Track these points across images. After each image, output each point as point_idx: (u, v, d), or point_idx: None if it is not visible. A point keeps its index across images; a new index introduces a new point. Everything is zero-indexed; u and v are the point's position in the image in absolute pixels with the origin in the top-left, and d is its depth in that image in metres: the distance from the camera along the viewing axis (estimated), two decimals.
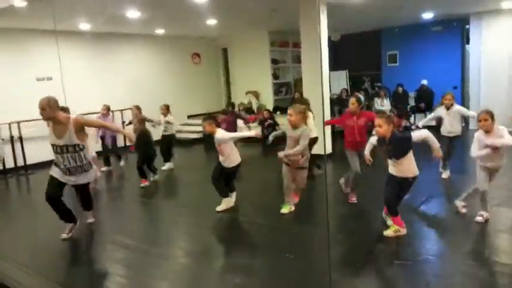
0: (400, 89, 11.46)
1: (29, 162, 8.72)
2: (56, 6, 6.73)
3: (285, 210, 5.04)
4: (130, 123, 8.11)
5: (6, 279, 3.85)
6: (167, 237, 4.78)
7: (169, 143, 8.06)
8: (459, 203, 4.66)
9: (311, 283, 3.44)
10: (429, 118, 6.38)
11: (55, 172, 4.51)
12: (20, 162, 8.71)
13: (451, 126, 5.99)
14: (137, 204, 6.29)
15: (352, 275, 3.57)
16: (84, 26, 8.80)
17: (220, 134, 5.14)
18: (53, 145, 4.35)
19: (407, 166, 4.08)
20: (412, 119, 11.23)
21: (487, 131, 4.18)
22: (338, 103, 11.38)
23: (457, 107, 6.05)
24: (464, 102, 11.31)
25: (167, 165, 7.96)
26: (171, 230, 5.08)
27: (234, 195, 5.54)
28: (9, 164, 8.65)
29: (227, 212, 5.25)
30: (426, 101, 11.18)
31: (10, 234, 5.18)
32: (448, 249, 4.01)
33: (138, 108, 8.26)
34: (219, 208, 5.26)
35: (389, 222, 4.31)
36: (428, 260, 3.73)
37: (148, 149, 6.93)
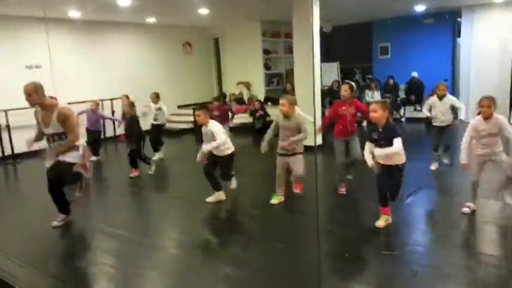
0: (391, 81, 11.51)
1: (16, 151, 8.61)
2: None
3: (274, 200, 5.05)
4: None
5: None
6: (157, 228, 4.78)
7: (159, 132, 8.00)
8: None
9: (301, 273, 3.47)
10: (426, 109, 6.39)
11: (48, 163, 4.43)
12: (8, 152, 8.61)
13: (443, 116, 6.10)
14: (127, 195, 6.26)
15: (342, 265, 3.60)
16: (74, 13, 8.69)
17: (214, 125, 5.05)
18: (40, 131, 4.34)
19: (397, 154, 4.08)
20: (402, 111, 11.29)
21: (487, 118, 4.20)
22: (329, 94, 11.39)
23: (449, 97, 6.19)
24: (454, 94, 11.35)
25: (157, 155, 7.91)
26: (161, 220, 5.07)
27: (234, 181, 5.63)
28: None
29: (217, 203, 5.26)
30: (416, 93, 11.25)
31: None
32: (435, 240, 4.06)
33: (127, 97, 8.19)
34: (208, 199, 5.26)
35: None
36: (416, 250, 3.78)
37: (137, 133, 6.71)
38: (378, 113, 4.07)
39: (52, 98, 4.58)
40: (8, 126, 8.53)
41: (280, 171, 5.04)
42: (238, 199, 5.48)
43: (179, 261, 3.94)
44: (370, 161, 4.24)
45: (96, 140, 8.20)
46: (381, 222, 4.22)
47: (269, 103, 11.64)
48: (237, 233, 4.56)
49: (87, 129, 8.00)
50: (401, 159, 4.13)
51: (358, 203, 5.11)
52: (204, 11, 9.36)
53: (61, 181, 4.48)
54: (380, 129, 4.10)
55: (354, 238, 4.10)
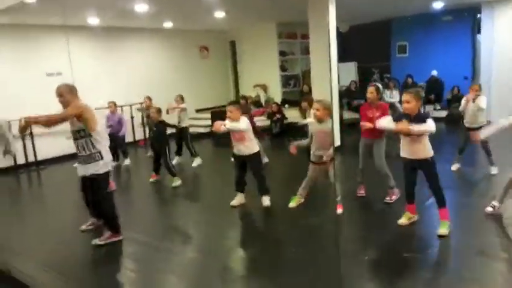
0: (410, 80, 11.35)
1: (39, 158, 8.81)
2: (65, 1, 6.76)
3: (293, 204, 5.02)
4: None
5: (18, 273, 3.91)
6: (175, 232, 4.81)
7: (183, 135, 7.81)
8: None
9: (320, 276, 3.44)
10: (462, 105, 6.08)
11: (79, 171, 4.33)
12: (31, 158, 8.80)
13: (475, 117, 5.86)
14: (146, 200, 6.32)
15: (362, 267, 3.56)
16: (93, 20, 8.84)
17: (246, 121, 4.94)
18: (71, 132, 4.26)
19: (423, 146, 3.96)
20: (421, 110, 11.10)
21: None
22: (347, 95, 11.31)
23: (482, 98, 5.85)
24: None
25: (176, 160, 7.86)
26: (180, 225, 5.11)
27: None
28: (20, 160, 8.74)
29: (235, 207, 5.26)
30: (436, 92, 11.06)
31: (21, 229, 5.24)
32: (458, 243, 3.97)
33: (150, 99, 8.24)
34: (233, 203, 5.19)
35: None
36: (438, 253, 3.71)
37: (164, 141, 6.51)
38: (411, 104, 3.93)
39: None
40: (31, 133, 8.71)
41: (312, 178, 4.91)
42: (256, 201, 5.47)
43: (196, 265, 3.96)
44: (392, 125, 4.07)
45: (119, 145, 8.10)
46: (403, 220, 4.15)
47: (286, 105, 11.61)
48: (255, 237, 4.56)
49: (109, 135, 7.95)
50: (428, 152, 3.99)
51: (377, 204, 5.04)
52: (220, 14, 9.41)
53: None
54: (412, 119, 3.94)
55: (374, 240, 4.05)
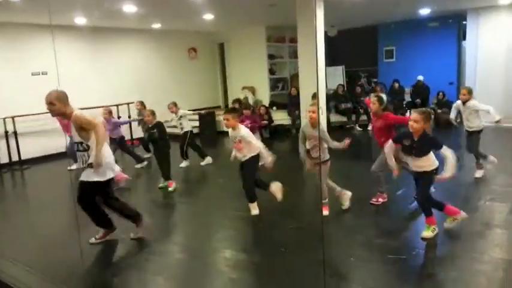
0: (396, 85, 11.48)
1: (23, 157, 8.69)
2: (51, 0, 6.69)
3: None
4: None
5: (1, 274, 3.85)
6: (164, 233, 4.77)
7: (187, 139, 7.67)
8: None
9: (306, 278, 3.45)
10: (453, 113, 6.20)
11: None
12: (15, 158, 8.67)
13: (468, 121, 5.92)
14: (136, 200, 6.27)
15: (347, 270, 3.58)
16: (80, 20, 8.76)
17: (245, 131, 4.80)
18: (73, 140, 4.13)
19: (426, 162, 3.99)
20: (407, 115, 11.24)
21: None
22: (334, 99, 11.39)
23: (472, 102, 5.89)
24: (459, 98, 11.33)
25: (184, 163, 7.72)
26: (168, 226, 5.08)
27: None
28: (4, 159, 8.62)
29: (222, 208, 5.25)
30: (422, 96, 11.21)
31: (5, 230, 5.16)
32: (442, 244, 4.02)
33: (142, 103, 8.17)
34: (253, 212, 4.95)
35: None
36: (422, 254, 3.75)
37: (166, 143, 6.32)
38: (419, 124, 3.87)
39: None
40: (15, 133, 8.60)
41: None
42: (244, 204, 5.46)
43: (184, 266, 3.94)
44: (391, 162, 4.13)
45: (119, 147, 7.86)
46: (426, 233, 4.01)
47: (274, 107, 11.66)
48: (243, 238, 4.56)
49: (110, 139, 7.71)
50: (433, 164, 4.00)
51: (365, 207, 5.07)
52: (209, 17, 9.41)
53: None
54: (415, 139, 3.93)
55: (360, 242, 4.08)
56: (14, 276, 3.80)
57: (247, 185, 4.90)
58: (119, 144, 7.72)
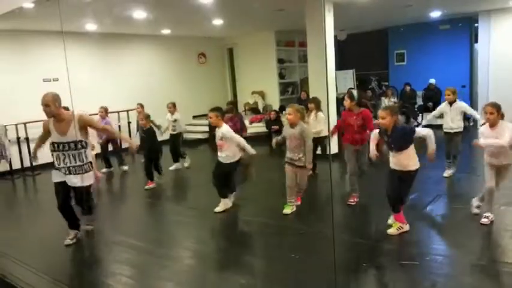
0: (408, 88, 11.39)
1: (35, 163, 8.72)
2: (62, 7, 6.74)
3: (287, 210, 5.00)
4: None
5: (13, 278, 3.87)
6: (172, 239, 4.77)
7: (177, 142, 8.00)
8: (475, 202, 4.54)
9: (316, 284, 3.40)
10: (433, 114, 6.28)
11: (57, 177, 4.37)
12: (27, 163, 8.74)
13: (452, 122, 5.91)
14: (142, 206, 6.28)
15: (358, 275, 3.53)
16: (91, 26, 8.83)
17: (225, 129, 5.08)
18: (54, 143, 4.25)
19: (407, 159, 4.05)
20: (419, 118, 11.15)
21: (492, 125, 4.11)
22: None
23: (459, 104, 5.97)
24: (472, 101, 11.20)
25: (175, 166, 7.95)
26: (176, 231, 5.07)
27: (232, 196, 5.48)
28: (16, 165, 8.69)
29: (232, 213, 5.23)
30: (434, 100, 11.08)
31: (17, 235, 5.19)
32: (455, 250, 3.95)
33: (142, 106, 8.25)
34: (217, 209, 5.24)
35: (390, 220, 4.27)
36: (435, 260, 3.68)
37: (154, 146, 6.80)
38: (386, 120, 4.03)
39: (66, 108, 4.57)
40: (27, 139, 8.67)
41: (289, 182, 4.98)
42: (253, 208, 5.44)
43: (194, 272, 3.92)
44: (372, 147, 4.33)
45: (112, 151, 8.18)
46: (392, 230, 4.15)
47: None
48: (251, 243, 4.53)
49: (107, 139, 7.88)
50: (415, 164, 4.08)
51: (372, 211, 5.01)
52: (218, 22, 9.43)
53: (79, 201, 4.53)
54: (389, 134, 4.07)
55: (371, 248, 4.02)
56: (24, 280, 3.81)
57: (217, 183, 5.27)
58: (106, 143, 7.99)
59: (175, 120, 7.83)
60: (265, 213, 5.24)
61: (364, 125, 5.05)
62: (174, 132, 7.90)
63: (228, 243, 4.62)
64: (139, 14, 7.73)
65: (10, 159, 8.53)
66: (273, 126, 10.44)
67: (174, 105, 7.88)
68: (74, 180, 4.30)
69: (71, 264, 4.22)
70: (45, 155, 8.61)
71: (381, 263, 3.75)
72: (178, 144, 8.04)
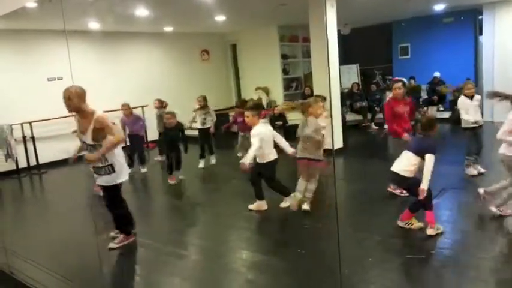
0: (413, 82, 11.33)
1: (41, 161, 8.81)
2: (65, 6, 6.75)
3: (292, 202, 4.96)
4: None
5: (21, 275, 3.91)
6: (180, 235, 4.78)
7: (208, 136, 7.81)
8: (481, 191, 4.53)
9: (323, 278, 3.41)
10: (466, 113, 5.78)
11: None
12: (33, 162, 8.80)
13: (475, 116, 5.72)
14: (152, 203, 6.30)
15: (364, 270, 3.53)
16: (94, 25, 8.84)
17: (253, 131, 4.86)
18: (80, 140, 4.11)
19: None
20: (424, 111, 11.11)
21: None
22: (349, 97, 11.29)
23: (478, 97, 5.82)
24: (477, 94, 11.12)
25: (202, 163, 7.78)
26: (184, 227, 5.08)
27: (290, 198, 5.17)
28: (22, 163, 8.75)
29: (238, 209, 5.23)
30: (439, 93, 11.04)
31: (25, 233, 5.23)
32: (461, 243, 3.94)
33: (160, 101, 8.22)
34: (251, 206, 5.15)
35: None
36: (441, 253, 3.68)
37: (178, 143, 6.73)
38: None
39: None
40: (32, 138, 8.73)
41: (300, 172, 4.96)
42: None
43: (201, 268, 3.94)
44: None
45: (137, 147, 7.81)
46: (431, 230, 4.03)
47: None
48: (258, 239, 4.54)
49: (129, 135, 7.57)
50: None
51: (380, 206, 5.00)
52: (220, 18, 9.41)
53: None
54: None
55: (377, 241, 4.02)
56: (32, 277, 3.85)
57: (272, 185, 5.05)
58: (136, 141, 7.76)
59: (207, 113, 7.68)
60: (273, 208, 5.20)
61: (410, 113, 5.07)
62: (204, 126, 7.69)
63: (235, 239, 4.63)
64: (142, 11, 7.72)
65: (16, 158, 8.59)
66: (277, 122, 10.42)
67: (205, 98, 7.73)
68: (99, 181, 4.19)
69: (79, 261, 4.24)
70: (50, 154, 8.77)
71: (386, 257, 3.74)
72: (209, 138, 7.86)
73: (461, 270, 3.39)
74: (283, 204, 5.09)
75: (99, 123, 3.88)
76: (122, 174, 4.18)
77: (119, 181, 4.16)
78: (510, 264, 3.44)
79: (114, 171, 4.08)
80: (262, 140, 4.77)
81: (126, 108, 7.62)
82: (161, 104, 8.33)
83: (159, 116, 8.13)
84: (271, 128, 5.05)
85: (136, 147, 7.76)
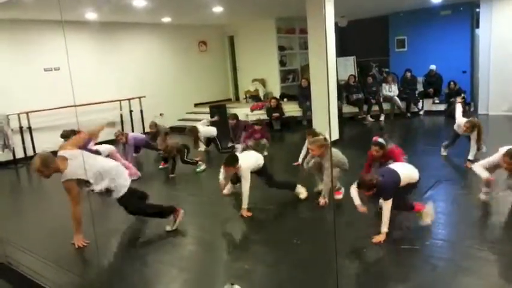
0: (409, 74, 11.36)
1: (38, 151, 8.80)
2: None
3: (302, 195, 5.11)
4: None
5: (19, 266, 3.94)
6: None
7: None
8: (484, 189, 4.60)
9: (318, 268, 3.47)
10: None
11: None
12: (30, 152, 8.80)
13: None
14: (150, 192, 6.32)
15: (359, 260, 3.59)
16: (91, 15, 8.80)
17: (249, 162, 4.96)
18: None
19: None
20: (420, 105, 11.16)
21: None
22: (346, 89, 11.32)
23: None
24: (473, 87, 11.19)
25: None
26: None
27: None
28: (19, 154, 8.75)
29: (235, 200, 5.27)
30: (435, 86, 11.08)
31: (22, 223, 5.26)
32: (455, 234, 4.01)
33: (156, 125, 8.44)
34: (301, 196, 5.16)
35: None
36: (436, 244, 3.74)
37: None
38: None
39: (77, 132, 4.69)
40: (29, 128, 8.72)
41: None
42: (256, 194, 5.47)
43: (197, 258, 3.99)
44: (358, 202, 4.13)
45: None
46: (427, 220, 4.06)
47: (285, 99, 11.64)
48: (255, 229, 4.58)
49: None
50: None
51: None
52: (218, 9, 9.38)
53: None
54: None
55: (372, 232, 4.07)
56: (30, 267, 3.88)
57: (274, 184, 5.20)
58: (145, 146, 7.99)
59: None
60: (269, 199, 5.24)
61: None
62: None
63: (231, 229, 4.68)
64: (139, 2, 7.69)
65: (13, 148, 8.59)
66: (273, 114, 10.45)
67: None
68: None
69: (77, 251, 4.27)
70: (47, 144, 8.74)
71: (381, 247, 3.80)
72: None
73: (456, 260, 3.45)
74: (302, 196, 5.14)
75: (71, 147, 4.36)
76: (121, 187, 4.31)
77: (121, 194, 4.29)
78: (504, 254, 3.50)
79: (111, 194, 4.32)
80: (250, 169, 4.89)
81: (119, 135, 7.36)
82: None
83: (153, 136, 8.21)
84: (254, 156, 5.08)
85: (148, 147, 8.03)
